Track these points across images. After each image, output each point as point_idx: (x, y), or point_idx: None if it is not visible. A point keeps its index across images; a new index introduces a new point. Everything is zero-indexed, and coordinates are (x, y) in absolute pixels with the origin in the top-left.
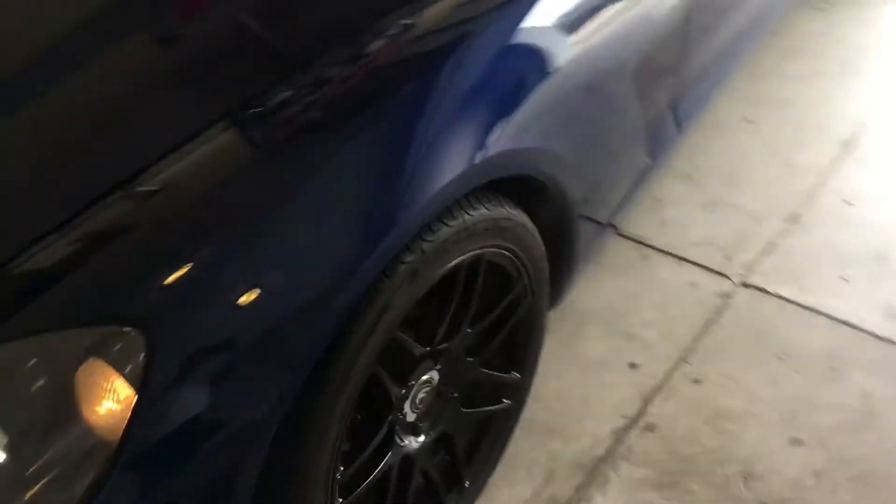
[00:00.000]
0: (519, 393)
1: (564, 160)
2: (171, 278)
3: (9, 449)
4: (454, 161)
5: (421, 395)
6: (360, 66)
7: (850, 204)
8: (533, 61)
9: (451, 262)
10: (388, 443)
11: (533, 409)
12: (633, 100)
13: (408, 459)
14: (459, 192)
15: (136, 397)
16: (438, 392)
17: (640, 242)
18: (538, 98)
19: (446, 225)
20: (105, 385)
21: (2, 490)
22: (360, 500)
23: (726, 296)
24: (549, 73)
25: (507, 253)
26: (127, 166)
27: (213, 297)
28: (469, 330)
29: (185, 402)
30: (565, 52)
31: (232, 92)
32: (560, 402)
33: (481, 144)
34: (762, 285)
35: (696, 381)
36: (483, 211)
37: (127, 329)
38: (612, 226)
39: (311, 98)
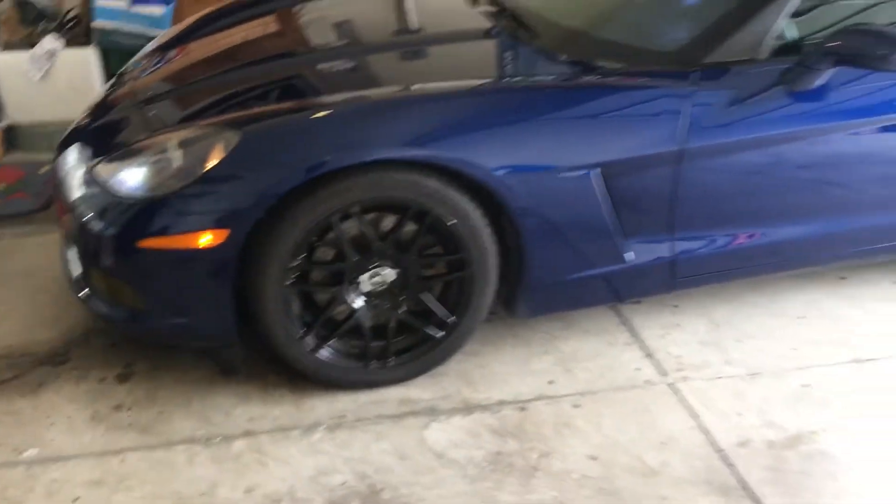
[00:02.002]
0: (453, 333)
1: (513, 188)
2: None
3: (180, 165)
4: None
5: (376, 278)
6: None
7: (805, 386)
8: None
9: (397, 196)
10: (339, 282)
11: (473, 366)
12: (599, 194)
13: (352, 311)
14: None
15: (219, 161)
16: (392, 288)
17: (635, 336)
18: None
19: (400, 173)
20: (217, 155)
21: (175, 175)
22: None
23: (651, 383)
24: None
25: (453, 226)
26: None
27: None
28: (416, 257)
29: (231, 172)
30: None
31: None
32: (492, 374)
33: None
34: (680, 390)
35: (575, 406)
36: (434, 183)
37: (236, 133)
38: (618, 299)
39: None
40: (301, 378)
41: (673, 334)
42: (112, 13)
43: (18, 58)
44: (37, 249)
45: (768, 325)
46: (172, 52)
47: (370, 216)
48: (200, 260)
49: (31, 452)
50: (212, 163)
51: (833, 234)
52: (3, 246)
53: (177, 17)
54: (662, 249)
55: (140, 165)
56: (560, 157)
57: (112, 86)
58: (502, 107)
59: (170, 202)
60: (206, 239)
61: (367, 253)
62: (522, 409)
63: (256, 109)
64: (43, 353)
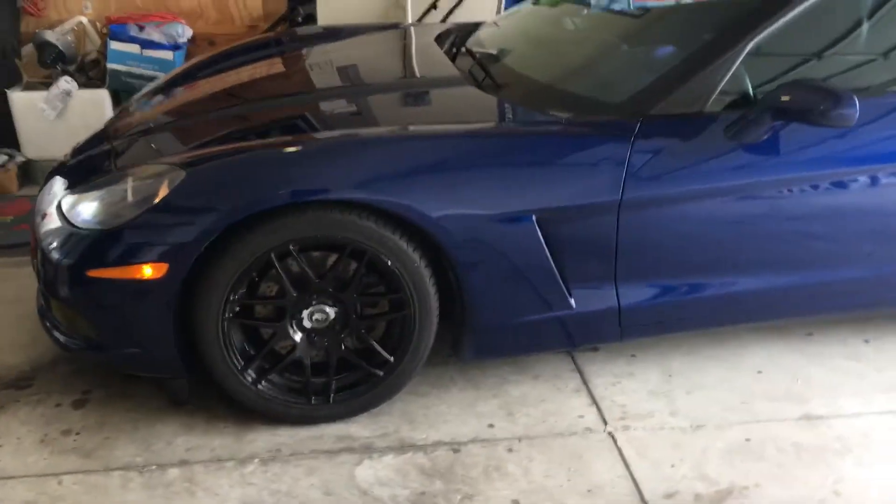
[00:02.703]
0: (392, 372)
1: (450, 232)
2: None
3: (131, 200)
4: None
5: (318, 316)
6: None
7: (747, 440)
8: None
9: (334, 235)
10: (281, 317)
11: (418, 407)
12: (535, 240)
13: (294, 347)
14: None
15: (163, 197)
16: (333, 325)
17: (585, 383)
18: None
19: (336, 212)
20: (163, 191)
21: (125, 209)
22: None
23: (590, 431)
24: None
25: (391, 266)
26: None
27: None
28: (356, 295)
29: (174, 208)
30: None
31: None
32: (434, 415)
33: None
34: (619, 439)
35: (509, 450)
36: (371, 224)
37: (182, 171)
38: (571, 345)
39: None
40: (248, 411)
41: (623, 383)
42: (124, 56)
43: (35, 97)
44: (28, 279)
45: (723, 378)
46: (178, 89)
47: (316, 254)
48: (143, 291)
49: None
50: (157, 199)
51: (789, 289)
52: None
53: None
54: (607, 297)
55: (95, 199)
56: (499, 203)
57: (112, 119)
58: (441, 152)
59: (117, 234)
60: (148, 271)
61: (307, 290)
62: (456, 450)
63: (216, 148)
64: (9, 378)
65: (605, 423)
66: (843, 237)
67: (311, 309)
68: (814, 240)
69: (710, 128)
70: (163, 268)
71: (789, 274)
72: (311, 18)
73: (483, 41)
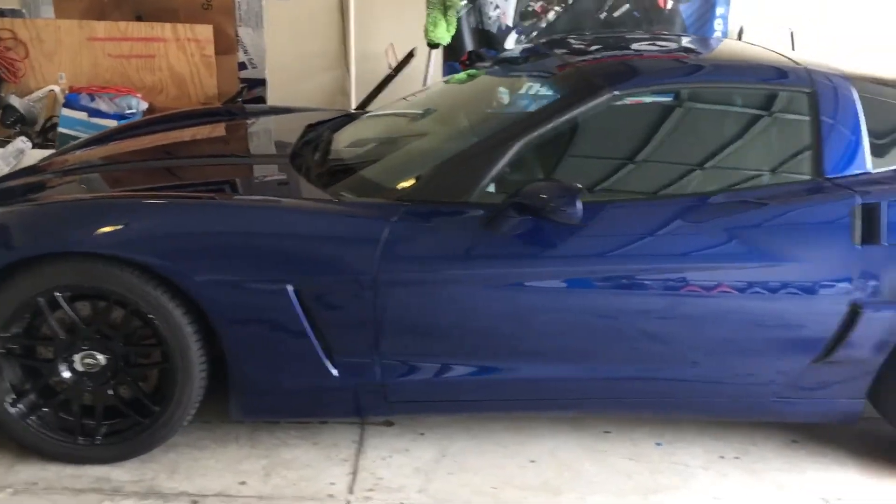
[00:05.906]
0: (157, 421)
1: (210, 294)
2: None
3: None
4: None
5: (89, 360)
6: None
7: None
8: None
9: (99, 285)
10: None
11: (188, 458)
12: (292, 309)
13: (66, 387)
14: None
15: None
16: (104, 371)
17: (358, 454)
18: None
19: (102, 265)
20: None
21: None
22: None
23: (332, 498)
24: None
25: (152, 318)
26: None
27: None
28: (122, 344)
29: None
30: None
31: None
32: (198, 468)
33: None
34: None
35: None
36: (133, 278)
37: None
38: (355, 414)
39: None
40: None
41: (395, 458)
42: (74, 122)
43: None
44: None
45: (494, 464)
46: (120, 141)
47: (103, 304)
48: None
49: None
50: None
51: (551, 381)
52: None
53: None
54: (371, 371)
55: None
56: (258, 272)
57: (46, 157)
58: (208, 220)
59: None
60: None
61: (79, 336)
62: (195, 502)
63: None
64: None
65: (351, 492)
66: (586, 335)
67: (81, 353)
68: (560, 335)
69: (468, 217)
70: None
71: (549, 366)
72: (261, 100)
73: (344, 125)
